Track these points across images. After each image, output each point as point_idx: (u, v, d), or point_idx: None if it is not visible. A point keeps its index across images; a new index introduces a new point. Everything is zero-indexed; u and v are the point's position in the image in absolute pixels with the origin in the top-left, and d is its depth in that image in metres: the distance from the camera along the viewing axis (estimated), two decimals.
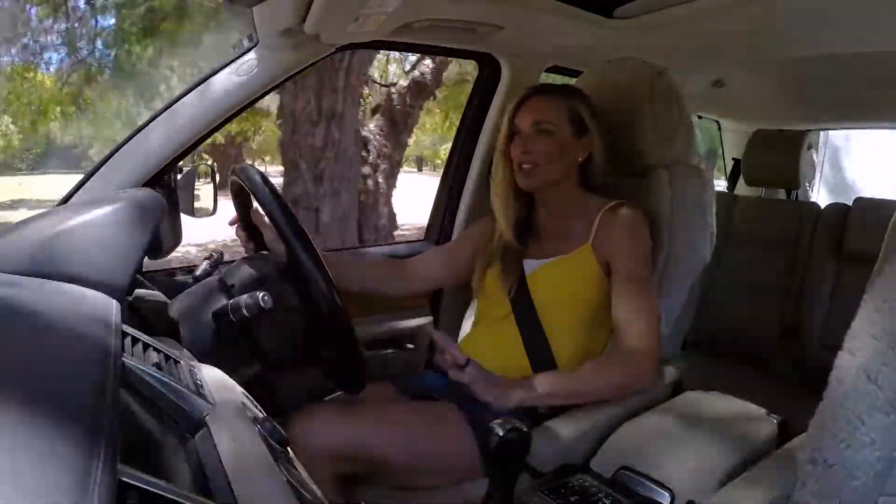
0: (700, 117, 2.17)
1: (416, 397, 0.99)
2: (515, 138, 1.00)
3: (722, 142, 2.32)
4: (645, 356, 0.89)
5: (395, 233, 4.18)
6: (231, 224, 0.96)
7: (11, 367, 0.35)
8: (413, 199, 4.43)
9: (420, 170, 17.52)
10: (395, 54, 5.14)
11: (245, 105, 1.04)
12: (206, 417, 0.48)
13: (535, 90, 1.02)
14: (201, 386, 0.53)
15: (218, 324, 0.72)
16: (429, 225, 1.53)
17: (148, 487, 0.30)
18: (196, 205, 1.03)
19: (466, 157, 1.46)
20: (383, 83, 4.62)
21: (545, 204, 1.05)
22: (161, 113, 1.01)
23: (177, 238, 1.00)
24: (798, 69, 1.51)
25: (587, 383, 0.89)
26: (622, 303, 0.93)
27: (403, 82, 4.11)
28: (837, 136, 5.03)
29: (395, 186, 4.07)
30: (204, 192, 1.05)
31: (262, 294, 0.68)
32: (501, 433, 0.63)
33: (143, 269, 1.03)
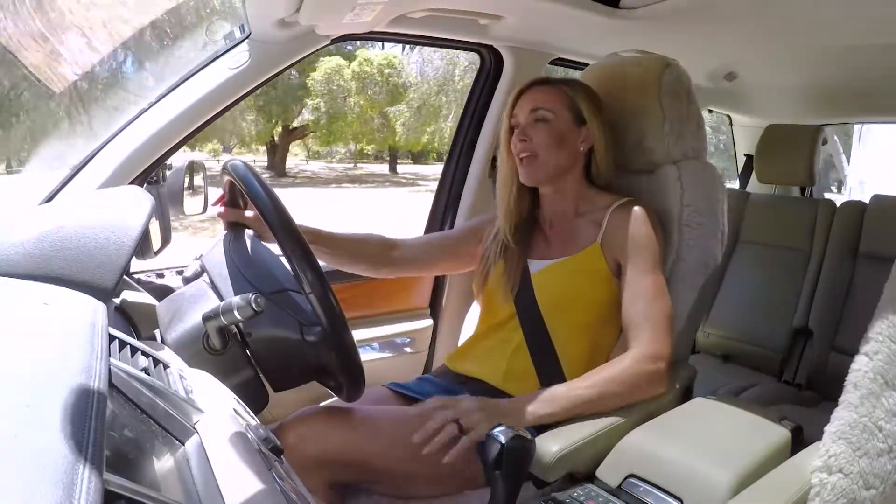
0: (710, 112, 2.12)
1: (414, 402, 0.97)
2: (515, 132, 0.98)
3: (734, 137, 2.28)
4: (656, 361, 0.85)
5: None
6: (215, 204, 0.92)
7: None
8: None
9: None
10: None
11: (237, 99, 1.02)
12: (197, 424, 0.48)
13: (532, 82, 1.00)
14: (191, 392, 0.53)
15: (208, 327, 0.70)
16: (429, 219, 1.51)
17: (136, 497, 0.30)
18: (186, 203, 1.00)
19: (469, 150, 1.45)
20: None
21: (551, 201, 1.02)
22: (149, 107, 0.99)
23: (166, 238, 0.98)
24: (813, 60, 1.47)
25: (592, 397, 0.83)
26: (634, 305, 0.89)
27: None
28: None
29: None
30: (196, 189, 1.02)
31: (253, 296, 0.66)
32: (504, 441, 0.60)
33: (131, 271, 1.01)
